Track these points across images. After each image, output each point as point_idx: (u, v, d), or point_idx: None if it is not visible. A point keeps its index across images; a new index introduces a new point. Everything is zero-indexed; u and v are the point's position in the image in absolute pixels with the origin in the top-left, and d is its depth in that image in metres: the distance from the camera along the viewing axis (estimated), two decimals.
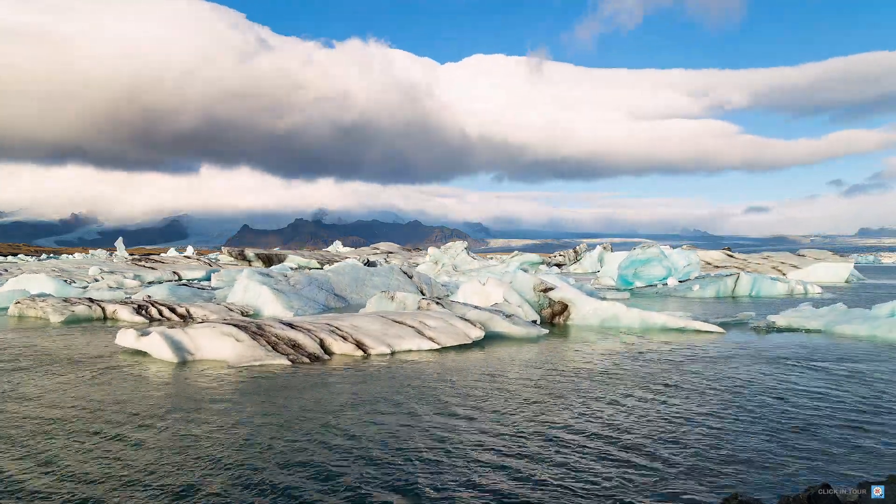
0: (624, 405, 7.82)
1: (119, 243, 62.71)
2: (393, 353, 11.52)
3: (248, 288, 19.06)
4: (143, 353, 11.32)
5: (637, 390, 8.65)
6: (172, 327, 12.01)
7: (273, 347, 10.89)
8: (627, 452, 6.06)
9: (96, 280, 33.12)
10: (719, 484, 5.30)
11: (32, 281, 24.14)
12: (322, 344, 11.39)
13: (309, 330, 11.68)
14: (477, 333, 12.69)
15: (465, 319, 13.15)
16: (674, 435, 6.61)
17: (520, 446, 6.27)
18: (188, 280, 37.23)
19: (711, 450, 6.13)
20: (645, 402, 7.98)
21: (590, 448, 6.19)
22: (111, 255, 62.23)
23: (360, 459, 5.89)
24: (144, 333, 11.49)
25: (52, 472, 5.60)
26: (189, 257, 54.06)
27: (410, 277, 23.44)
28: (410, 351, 11.76)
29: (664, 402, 7.98)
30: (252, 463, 5.80)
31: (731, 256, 46.16)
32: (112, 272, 37.05)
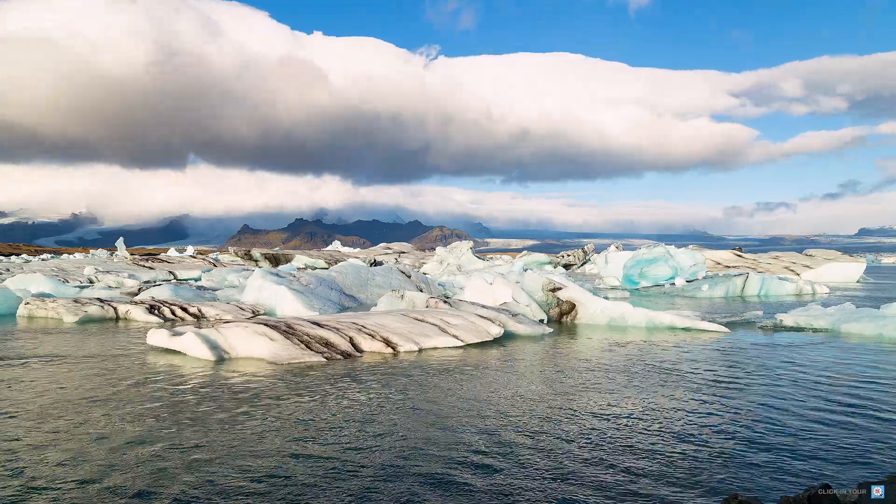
0: (626, 404, 8.05)
1: (120, 243, 62.69)
2: (420, 351, 11.86)
3: (262, 288, 19.13)
4: (175, 352, 11.59)
5: (641, 390, 8.92)
6: (200, 327, 12.23)
7: (307, 346, 11.22)
8: (628, 451, 6.22)
9: (91, 281, 32.97)
10: (720, 484, 5.41)
11: (29, 280, 24.08)
12: (352, 342, 11.72)
13: (338, 329, 12.02)
14: (497, 331, 13.01)
15: (483, 317, 13.28)
16: (674, 434, 6.79)
17: (534, 443, 6.53)
18: (182, 279, 37.18)
19: (712, 449, 6.27)
20: (647, 402, 8.21)
21: (590, 447, 6.35)
22: (112, 255, 62.19)
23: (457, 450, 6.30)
24: (177, 333, 11.80)
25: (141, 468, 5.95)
26: (194, 257, 54.02)
27: (409, 277, 23.56)
28: (436, 348, 12.13)
29: (666, 401, 8.24)
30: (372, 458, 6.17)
31: (741, 256, 45.97)
32: (108, 272, 36.93)
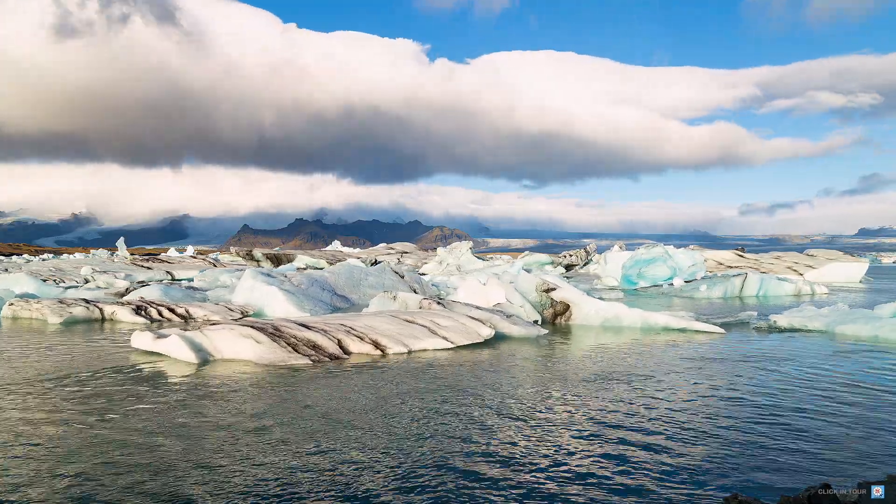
0: (622, 406, 7.99)
1: (120, 243, 62.60)
2: (409, 353, 11.78)
3: (254, 288, 19.06)
4: (159, 355, 11.47)
5: (636, 391, 8.83)
6: (185, 329, 12.17)
7: (293, 348, 11.12)
8: (627, 452, 6.18)
9: (86, 281, 32.95)
10: (719, 484, 5.40)
11: (12, 281, 23.99)
12: (340, 344, 11.62)
13: (325, 331, 11.91)
14: (487, 332, 12.97)
15: (474, 319, 13.28)
16: (673, 434, 6.75)
17: (526, 446, 6.48)
18: (178, 280, 37.16)
19: (711, 450, 6.25)
20: (644, 403, 8.14)
21: (589, 448, 6.32)
22: (112, 255, 62.17)
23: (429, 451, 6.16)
24: (161, 336, 11.70)
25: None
26: (194, 258, 54.02)
27: (402, 277, 23.59)
28: (426, 350, 12.03)
29: (663, 402, 8.17)
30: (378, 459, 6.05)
31: (743, 257, 45.79)
32: (105, 272, 36.95)
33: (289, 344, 11.20)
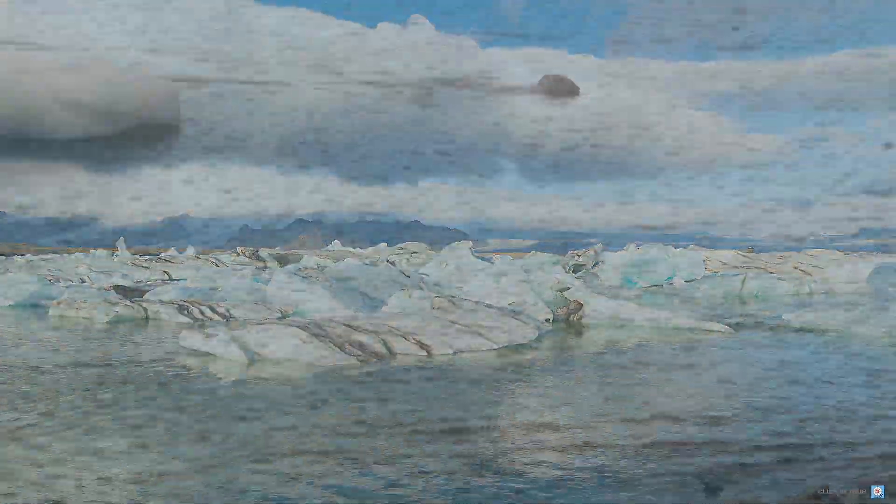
0: (629, 402, 8.16)
1: (120, 243, 62.41)
2: (454, 353, 11.88)
3: (292, 287, 19.28)
4: (206, 354, 11.64)
5: (644, 388, 9.09)
6: (235, 329, 12.30)
7: (339, 348, 11.26)
8: (628, 450, 6.22)
9: (82, 281, 32.83)
10: (720, 484, 5.39)
11: (18, 280, 24.42)
12: (385, 344, 11.75)
13: (369, 330, 12.05)
14: (532, 334, 13.11)
15: (519, 319, 13.32)
16: (675, 433, 6.83)
17: (542, 441, 6.67)
18: (173, 279, 37.09)
19: (714, 449, 6.29)
20: (648, 400, 8.31)
21: (590, 445, 6.38)
22: (113, 255, 62.11)
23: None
24: (208, 335, 11.95)
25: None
26: (198, 258, 54.02)
27: (408, 276, 23.69)
28: (471, 351, 12.13)
29: (668, 401, 8.34)
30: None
31: (747, 257, 45.71)
32: (102, 272, 36.96)
33: (335, 343, 11.32)
